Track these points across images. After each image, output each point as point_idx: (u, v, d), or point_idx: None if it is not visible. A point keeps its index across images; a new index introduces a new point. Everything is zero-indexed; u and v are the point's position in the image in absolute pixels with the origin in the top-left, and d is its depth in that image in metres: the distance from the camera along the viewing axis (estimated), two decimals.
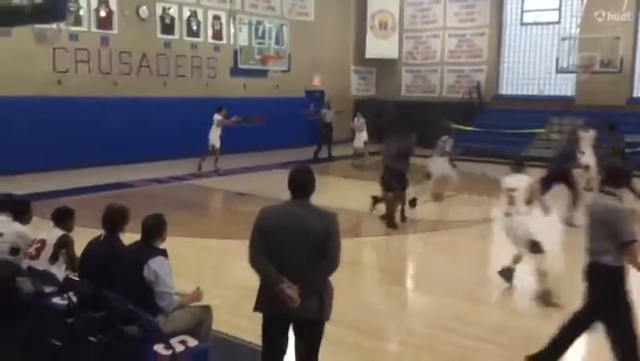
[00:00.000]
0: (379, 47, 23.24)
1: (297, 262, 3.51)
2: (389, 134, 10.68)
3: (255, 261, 3.57)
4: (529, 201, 6.50)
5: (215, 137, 14.79)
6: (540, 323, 5.89)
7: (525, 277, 7.73)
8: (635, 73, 19.04)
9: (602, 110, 18.27)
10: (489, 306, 6.64)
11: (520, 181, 6.53)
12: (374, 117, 20.05)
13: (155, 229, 4.33)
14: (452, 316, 5.96)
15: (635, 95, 19.08)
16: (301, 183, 3.64)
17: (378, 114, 21.31)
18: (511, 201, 6.50)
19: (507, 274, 6.86)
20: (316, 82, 21.59)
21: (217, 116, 14.81)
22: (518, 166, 6.78)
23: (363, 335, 5.44)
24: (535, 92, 20.75)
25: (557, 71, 19.74)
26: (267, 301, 3.61)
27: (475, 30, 21.93)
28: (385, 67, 23.69)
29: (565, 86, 20.26)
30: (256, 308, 3.71)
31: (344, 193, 13.03)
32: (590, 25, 18.51)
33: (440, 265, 8.04)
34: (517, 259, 6.78)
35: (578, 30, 19.05)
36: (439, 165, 11.75)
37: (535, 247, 6.36)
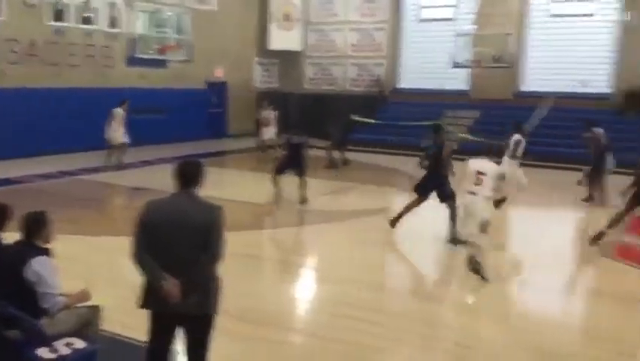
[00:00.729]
0: (283, 38, 23.21)
1: (179, 255, 3.45)
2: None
3: (136, 256, 3.48)
4: (496, 188, 7.05)
5: (119, 133, 14.03)
6: (441, 308, 6.14)
7: (426, 264, 8.04)
8: (522, 68, 20.20)
9: (493, 104, 19.33)
10: (392, 293, 6.83)
11: (491, 168, 7.04)
12: (279, 109, 20.07)
13: (35, 226, 4.08)
14: (354, 304, 6.07)
15: (521, 89, 20.25)
16: (186, 175, 3.59)
17: (282, 106, 21.35)
18: (478, 183, 6.95)
19: (476, 266, 6.95)
20: (218, 73, 21.25)
21: (119, 110, 14.02)
22: (489, 154, 7.31)
23: (260, 326, 5.44)
24: (433, 86, 21.53)
25: (453, 66, 20.61)
26: (152, 298, 3.53)
27: (375, 25, 22.41)
28: (289, 59, 23.71)
29: (460, 81, 21.17)
30: (141, 305, 3.62)
31: (248, 186, 12.94)
32: (483, 21, 19.43)
33: (341, 254, 8.17)
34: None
35: (473, 27, 19.93)
36: (510, 167, 10.23)
37: (483, 227, 6.89)
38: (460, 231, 7.79)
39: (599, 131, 12.26)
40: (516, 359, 5.04)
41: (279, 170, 10.78)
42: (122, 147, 14.23)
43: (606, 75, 19.06)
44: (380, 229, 9.85)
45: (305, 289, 7.02)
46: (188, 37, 19.44)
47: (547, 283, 7.65)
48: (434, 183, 8.56)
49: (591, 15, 19.16)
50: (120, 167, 14.13)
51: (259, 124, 17.55)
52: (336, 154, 15.53)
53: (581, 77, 19.33)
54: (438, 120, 19.07)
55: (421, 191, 8.70)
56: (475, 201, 6.97)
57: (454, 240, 8.15)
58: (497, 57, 19.48)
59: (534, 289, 7.25)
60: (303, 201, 10.69)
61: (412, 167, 15.22)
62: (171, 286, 3.39)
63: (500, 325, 5.88)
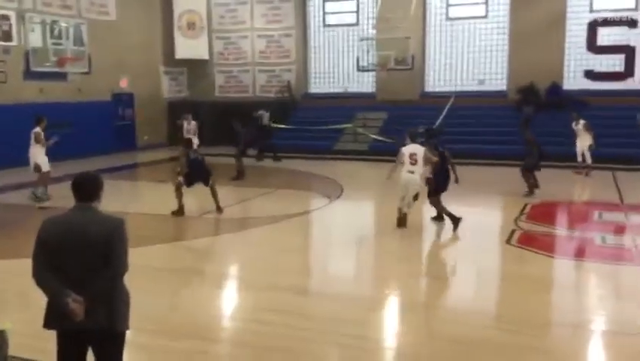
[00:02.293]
0: (189, 47, 22.89)
1: (80, 271, 3.36)
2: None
3: (36, 275, 3.37)
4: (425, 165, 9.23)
5: (39, 156, 11.87)
6: (361, 307, 6.28)
7: (345, 265, 8.20)
8: (424, 69, 21.02)
9: (399, 105, 19.98)
10: (312, 296, 6.91)
11: (419, 149, 9.18)
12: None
13: None
14: (277, 310, 6.09)
15: (426, 89, 21.06)
16: (83, 189, 3.50)
17: (195, 116, 21.04)
18: (413, 162, 9.10)
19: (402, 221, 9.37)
20: (123, 84, 20.64)
21: (37, 130, 11.84)
22: (415, 138, 9.50)
23: (179, 339, 5.35)
24: (340, 90, 21.98)
25: (358, 70, 21.13)
26: (56, 316, 3.41)
27: (282, 31, 22.58)
28: (197, 67, 23.41)
29: (366, 84, 21.72)
30: (45, 325, 3.49)
31: (161, 198, 12.64)
32: (384, 26, 20.06)
33: (260, 260, 8.18)
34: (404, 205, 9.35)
35: (374, 31, 20.51)
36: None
37: (416, 197, 9.47)
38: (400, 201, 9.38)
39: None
40: (433, 349, 5.25)
41: (188, 182, 10.65)
42: (41, 172, 12.05)
43: (502, 73, 20.20)
44: (299, 233, 9.97)
45: (225, 298, 6.97)
46: (87, 49, 18.76)
47: (457, 271, 8.05)
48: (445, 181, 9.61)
49: (485, 17, 20.27)
50: (42, 198, 11.97)
51: (181, 135, 16.57)
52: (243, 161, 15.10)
53: (480, 76, 20.42)
54: (357, 123, 19.60)
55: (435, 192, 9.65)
56: (413, 178, 9.11)
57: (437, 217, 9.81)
58: (400, 60, 20.17)
59: (445, 278, 7.59)
60: (218, 210, 10.62)
61: (329, 169, 15.62)
62: (74, 302, 3.30)
63: (416, 317, 6.11)
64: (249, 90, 23.20)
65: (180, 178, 10.54)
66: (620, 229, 9.75)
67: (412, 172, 9.12)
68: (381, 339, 5.63)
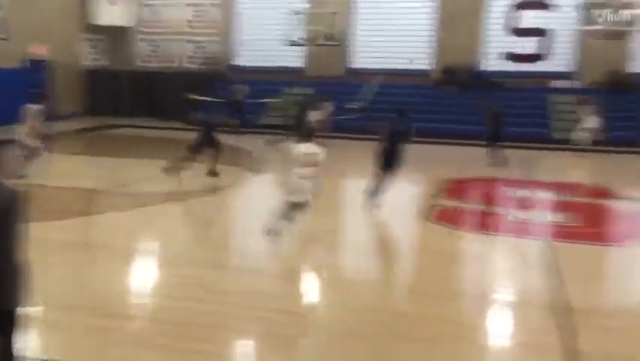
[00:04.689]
0: (110, 13, 21.93)
1: None
2: None
3: None
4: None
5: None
6: (274, 280, 6.35)
7: (262, 239, 8.21)
8: (352, 46, 21.13)
9: (326, 80, 20.03)
10: (228, 270, 6.91)
11: (316, 149, 7.39)
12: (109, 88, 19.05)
13: None
14: (186, 283, 6.07)
15: (352, 66, 21.20)
16: None
17: (113, 85, 20.33)
18: (311, 164, 7.27)
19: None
20: (39, 50, 19.57)
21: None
22: (309, 137, 7.53)
23: (93, 316, 5.22)
24: (269, 64, 21.77)
25: (289, 44, 20.97)
26: None
27: (210, 1, 22.02)
28: (119, 35, 22.52)
29: (295, 58, 21.60)
30: None
31: (77, 171, 12.20)
32: (315, 0, 19.94)
33: (179, 235, 8.08)
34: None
35: (305, 5, 20.39)
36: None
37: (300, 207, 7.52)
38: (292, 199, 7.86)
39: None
40: (355, 320, 5.37)
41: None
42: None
43: (428, 53, 20.61)
44: (216, 207, 9.88)
45: (138, 274, 6.83)
46: (2, 13, 17.65)
47: (374, 246, 8.27)
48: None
49: None
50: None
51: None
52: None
53: (407, 54, 20.71)
54: (287, 98, 19.42)
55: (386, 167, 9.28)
56: (303, 180, 7.32)
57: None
58: (329, 35, 20.20)
59: (363, 253, 7.79)
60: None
61: (259, 145, 15.47)
62: None
63: (335, 290, 6.26)
64: (175, 61, 22.58)
65: None
66: (528, 205, 10.30)
67: (303, 173, 7.30)
68: (300, 312, 5.73)
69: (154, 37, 22.68)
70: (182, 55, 22.53)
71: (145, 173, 10.99)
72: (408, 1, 20.65)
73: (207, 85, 20.25)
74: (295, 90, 20.08)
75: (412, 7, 20.62)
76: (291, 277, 6.56)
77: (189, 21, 22.32)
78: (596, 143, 15.11)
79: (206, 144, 11.13)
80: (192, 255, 7.10)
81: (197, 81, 19.82)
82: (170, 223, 8.71)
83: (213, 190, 10.69)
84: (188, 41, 22.40)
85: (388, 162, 9.28)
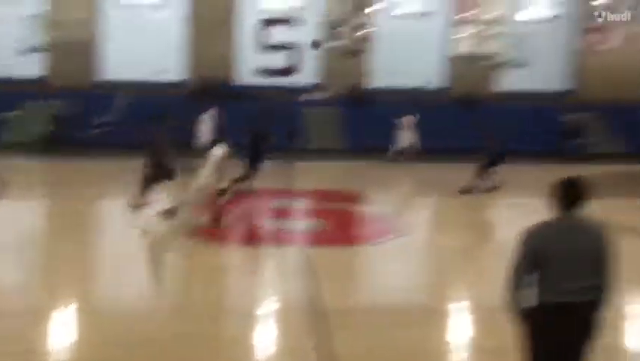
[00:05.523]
0: None
1: None
2: None
3: None
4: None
5: None
6: (18, 324, 5.54)
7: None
8: (101, 55, 19.88)
9: (73, 92, 18.49)
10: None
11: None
12: None
13: None
14: None
15: (102, 77, 19.87)
16: None
17: None
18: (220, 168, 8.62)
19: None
20: None
21: None
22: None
23: None
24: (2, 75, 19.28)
25: (27, 51, 18.89)
26: None
27: None
28: None
29: (33, 67, 19.49)
30: None
31: None
32: (57, 4, 18.36)
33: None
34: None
35: (44, 9, 18.66)
36: None
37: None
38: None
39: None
40: (107, 355, 4.89)
41: None
42: None
43: (180, 64, 20.26)
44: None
45: None
46: None
47: (130, 270, 7.67)
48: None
49: (162, 6, 20.12)
50: None
51: None
52: None
53: (159, 65, 20.02)
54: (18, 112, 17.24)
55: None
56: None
57: None
58: (75, 43, 18.75)
59: (117, 277, 7.18)
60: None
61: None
62: None
63: (90, 325, 5.66)
64: None
65: None
66: (286, 214, 10.60)
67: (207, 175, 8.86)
68: (50, 351, 5.09)
69: None
70: None
71: None
72: (160, 11, 20.15)
73: None
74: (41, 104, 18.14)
75: (165, 19, 20.18)
76: (37, 317, 5.73)
77: None
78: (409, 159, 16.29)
79: None
80: None
81: None
82: None
83: None
84: None
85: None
